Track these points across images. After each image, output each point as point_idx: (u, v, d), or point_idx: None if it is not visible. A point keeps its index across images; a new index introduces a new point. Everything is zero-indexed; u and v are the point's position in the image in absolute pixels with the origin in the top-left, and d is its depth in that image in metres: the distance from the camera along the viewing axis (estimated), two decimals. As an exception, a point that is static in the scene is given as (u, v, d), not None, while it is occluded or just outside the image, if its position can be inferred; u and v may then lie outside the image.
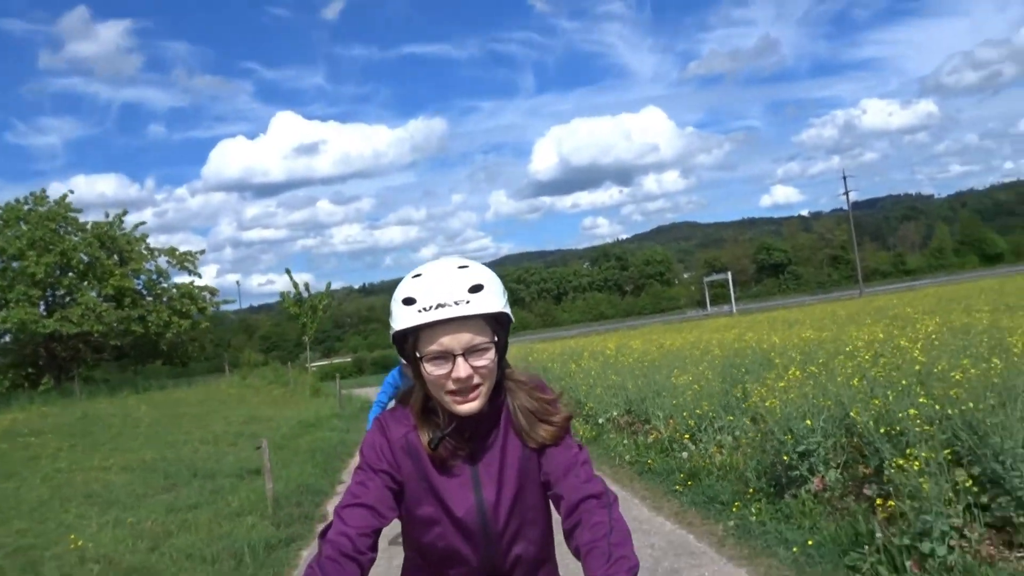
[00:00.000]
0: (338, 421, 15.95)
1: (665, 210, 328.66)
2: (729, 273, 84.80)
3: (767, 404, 5.55)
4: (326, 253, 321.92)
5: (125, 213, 31.12)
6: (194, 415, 17.79)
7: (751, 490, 5.80)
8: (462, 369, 1.45)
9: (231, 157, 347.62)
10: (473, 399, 1.49)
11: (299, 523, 7.19)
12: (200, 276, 33.13)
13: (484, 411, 1.54)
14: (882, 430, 4.57)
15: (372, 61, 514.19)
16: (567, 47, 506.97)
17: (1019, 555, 3.85)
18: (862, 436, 4.91)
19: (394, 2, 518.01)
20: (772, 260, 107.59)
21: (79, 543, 6.30)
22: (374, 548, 1.51)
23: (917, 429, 4.17)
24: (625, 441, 8.76)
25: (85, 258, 28.83)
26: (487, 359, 1.48)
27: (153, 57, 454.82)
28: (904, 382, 4.70)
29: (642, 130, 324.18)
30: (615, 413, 9.88)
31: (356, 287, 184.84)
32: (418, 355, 1.49)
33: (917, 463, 4.04)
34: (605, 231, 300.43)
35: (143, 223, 32.20)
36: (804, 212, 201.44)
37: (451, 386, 1.47)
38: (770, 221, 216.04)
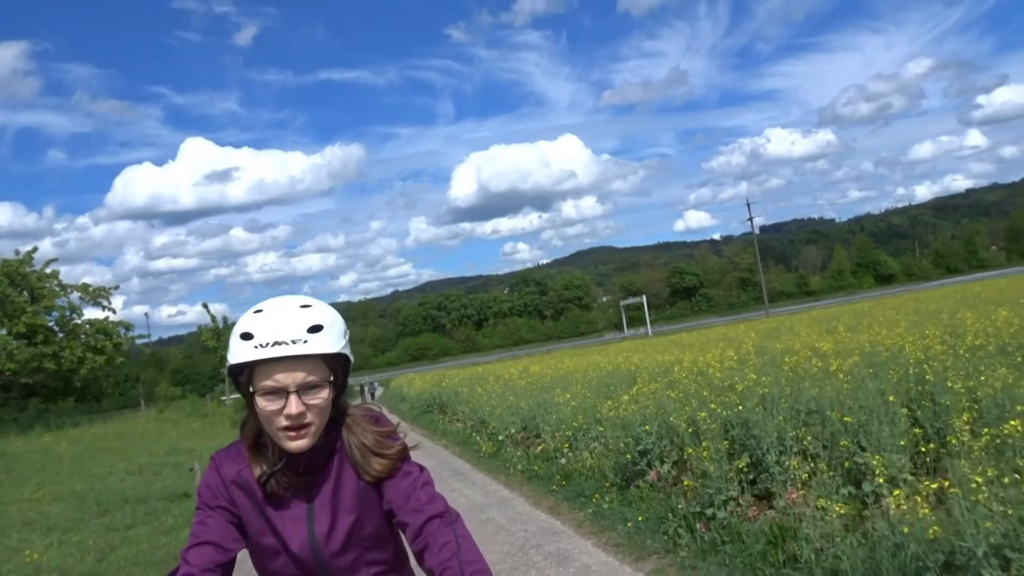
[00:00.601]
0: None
1: (583, 235, 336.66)
2: (644, 297, 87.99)
3: (611, 414, 7.02)
4: (241, 282, 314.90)
5: (35, 250, 31.02)
6: (115, 449, 18.30)
7: (608, 484, 7.23)
8: (294, 406, 1.49)
9: (138, 184, 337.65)
10: (304, 436, 1.53)
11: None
12: (115, 311, 33.08)
13: (317, 446, 1.59)
14: (689, 430, 6.08)
15: (287, 87, 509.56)
16: (485, 75, 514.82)
17: (773, 514, 5.36)
18: (680, 436, 6.41)
19: (308, 28, 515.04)
20: (685, 283, 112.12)
21: (34, 556, 7.22)
22: None
23: (704, 427, 5.68)
24: (519, 453, 10.12)
25: (-6, 295, 28.60)
26: (320, 398, 1.53)
27: (53, 80, 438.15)
28: (704, 393, 6.24)
29: (559, 157, 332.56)
30: (513, 430, 11.25)
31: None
32: (252, 389, 1.52)
33: (706, 452, 5.54)
34: (526, 256, 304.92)
35: (55, 260, 32.16)
36: (716, 236, 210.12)
37: (283, 422, 1.50)
38: (684, 245, 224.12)
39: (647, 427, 6.82)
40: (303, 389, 1.51)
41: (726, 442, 5.63)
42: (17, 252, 30.59)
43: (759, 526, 5.10)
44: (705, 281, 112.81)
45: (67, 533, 8.82)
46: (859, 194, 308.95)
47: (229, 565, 1.57)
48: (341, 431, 1.65)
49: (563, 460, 8.65)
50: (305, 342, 1.49)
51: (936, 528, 3.47)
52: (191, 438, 21.32)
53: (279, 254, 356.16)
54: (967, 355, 5.71)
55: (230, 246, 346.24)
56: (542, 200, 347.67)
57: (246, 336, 1.50)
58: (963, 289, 28.90)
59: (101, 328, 31.75)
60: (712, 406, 5.90)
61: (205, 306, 30.48)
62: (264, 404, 1.50)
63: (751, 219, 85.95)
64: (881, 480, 4.20)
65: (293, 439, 1.52)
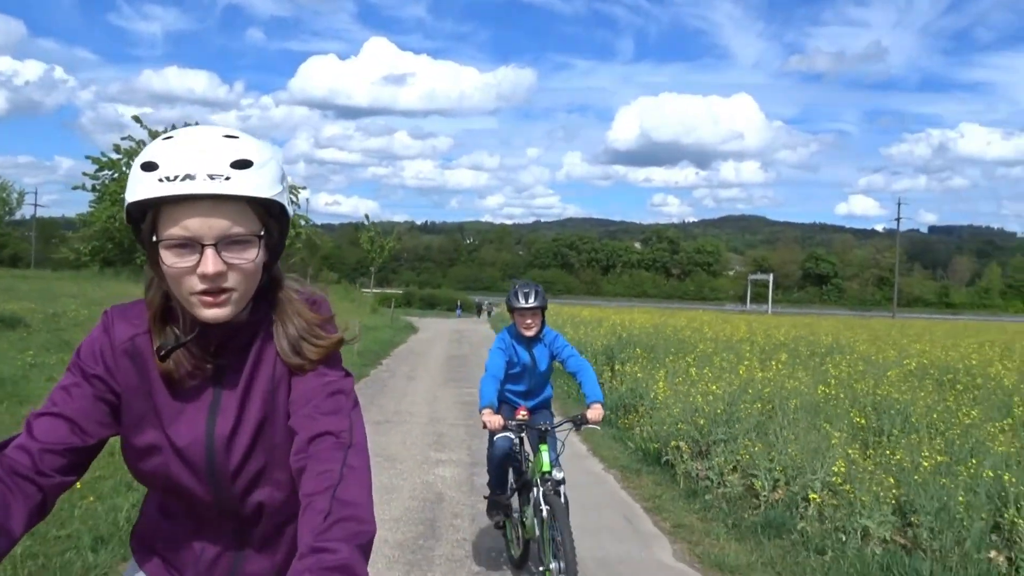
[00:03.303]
0: (389, 329, 24.38)
1: (737, 200, 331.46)
2: (771, 275, 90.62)
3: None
4: (395, 184, 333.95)
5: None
6: (293, 309, 26.54)
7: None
8: (210, 263, 1.13)
9: (320, 74, 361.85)
10: (223, 303, 1.18)
11: (368, 360, 15.35)
12: (299, 206, 41.78)
13: (238, 321, 1.25)
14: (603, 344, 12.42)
15: (475, 0, 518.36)
16: (673, 18, 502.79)
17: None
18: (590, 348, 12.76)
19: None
20: (819, 270, 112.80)
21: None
22: (69, 471, 1.20)
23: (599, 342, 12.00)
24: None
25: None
26: (245, 257, 1.17)
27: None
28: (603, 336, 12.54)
29: (730, 116, 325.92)
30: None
31: (418, 223, 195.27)
32: (155, 239, 1.15)
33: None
34: (673, 211, 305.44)
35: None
36: (879, 227, 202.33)
37: (196, 284, 1.15)
38: (841, 230, 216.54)
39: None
40: (224, 243, 1.15)
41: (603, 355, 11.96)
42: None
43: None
44: (841, 272, 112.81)
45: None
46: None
47: (84, 453, 1.21)
48: (270, 308, 1.30)
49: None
50: (227, 179, 1.11)
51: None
52: (346, 314, 29.30)
53: (435, 164, 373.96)
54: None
55: (391, 148, 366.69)
56: (702, 157, 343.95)
57: (148, 166, 1.12)
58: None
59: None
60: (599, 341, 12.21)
61: (367, 218, 38.29)
62: (172, 260, 1.14)
63: (899, 219, 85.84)
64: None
65: (209, 306, 1.17)
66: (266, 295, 1.29)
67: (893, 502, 4.79)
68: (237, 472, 1.27)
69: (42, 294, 19.47)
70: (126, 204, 1.16)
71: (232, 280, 1.17)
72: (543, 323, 4.18)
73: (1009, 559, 3.99)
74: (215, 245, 1.13)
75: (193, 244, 1.13)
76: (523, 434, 4.11)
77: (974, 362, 9.32)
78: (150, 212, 1.15)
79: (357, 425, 1.23)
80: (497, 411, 3.95)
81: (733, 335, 12.51)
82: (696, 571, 4.54)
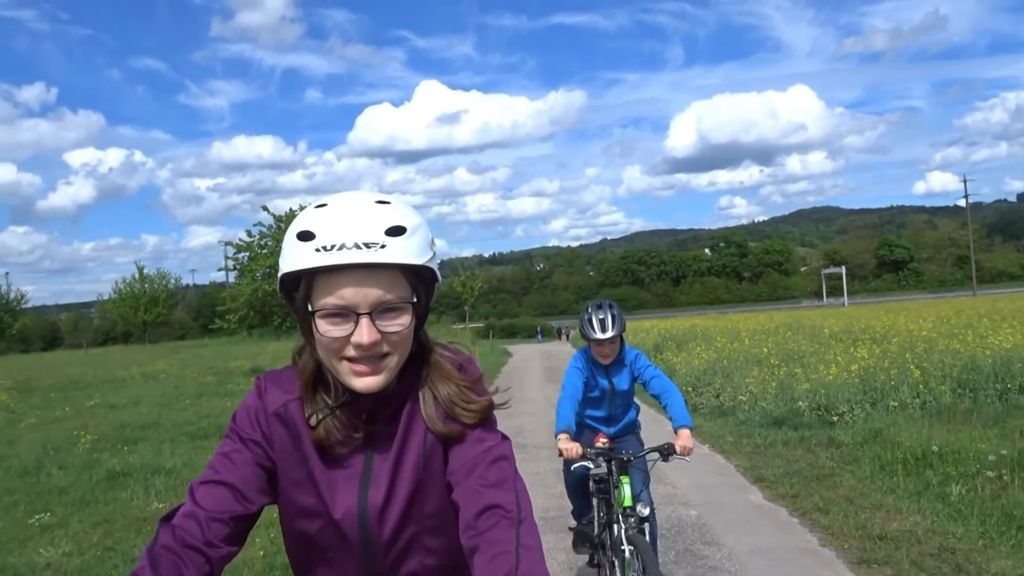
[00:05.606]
0: (493, 355, 31.21)
1: (807, 192, 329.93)
2: (844, 268, 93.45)
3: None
4: (459, 221, 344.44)
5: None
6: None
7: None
8: (365, 333, 1.17)
9: (377, 124, 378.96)
10: (376, 372, 1.22)
11: (489, 374, 21.58)
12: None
13: (390, 390, 1.27)
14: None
15: (520, 31, 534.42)
16: (720, 19, 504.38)
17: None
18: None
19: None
20: (893, 256, 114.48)
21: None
22: (233, 540, 1.24)
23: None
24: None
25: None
26: (400, 323, 1.21)
27: (314, 25, 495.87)
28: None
29: (788, 108, 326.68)
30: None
31: (486, 256, 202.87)
32: (310, 308, 1.20)
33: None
34: (742, 211, 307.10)
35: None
36: (959, 202, 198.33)
37: (350, 352, 1.20)
38: (922, 210, 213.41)
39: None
40: (378, 311, 1.18)
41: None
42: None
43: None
44: (916, 255, 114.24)
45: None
46: None
47: (245, 521, 1.26)
48: (419, 374, 1.33)
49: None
50: (382, 247, 1.16)
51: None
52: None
53: (496, 195, 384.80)
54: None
55: (452, 186, 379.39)
56: (765, 153, 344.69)
57: (305, 236, 1.18)
58: None
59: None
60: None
61: (461, 270, 45.26)
62: (326, 328, 1.19)
63: (967, 196, 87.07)
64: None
65: (361, 375, 1.21)
66: (414, 360, 1.30)
67: (776, 392, 10.60)
68: (390, 543, 1.30)
69: (232, 356, 26.53)
70: (280, 273, 1.20)
71: (386, 347, 1.20)
72: (622, 346, 4.01)
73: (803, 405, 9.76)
74: (369, 314, 1.16)
75: (347, 313, 1.17)
76: (609, 462, 3.78)
77: (864, 325, 14.92)
78: (304, 280, 1.20)
79: (523, 495, 1.22)
80: (576, 437, 3.81)
81: (742, 327, 18.24)
82: (681, 430, 10.44)
